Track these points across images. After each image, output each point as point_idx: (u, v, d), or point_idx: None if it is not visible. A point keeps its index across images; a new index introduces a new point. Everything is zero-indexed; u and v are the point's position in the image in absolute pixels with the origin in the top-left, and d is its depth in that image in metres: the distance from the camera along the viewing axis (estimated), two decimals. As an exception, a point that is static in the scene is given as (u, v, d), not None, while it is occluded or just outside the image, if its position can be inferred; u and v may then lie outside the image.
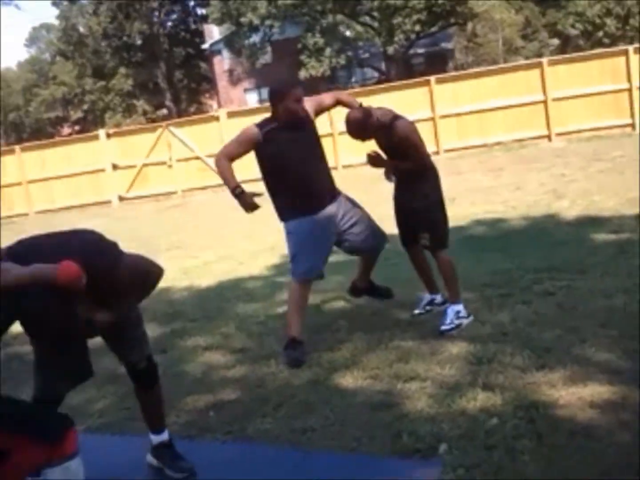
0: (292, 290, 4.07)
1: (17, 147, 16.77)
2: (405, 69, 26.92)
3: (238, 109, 20.04)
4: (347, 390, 3.32)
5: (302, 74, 26.04)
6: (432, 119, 14.57)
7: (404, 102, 14.51)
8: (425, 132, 14.61)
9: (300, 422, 3.05)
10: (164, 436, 2.84)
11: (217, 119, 15.61)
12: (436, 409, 2.96)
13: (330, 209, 3.94)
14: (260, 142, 3.83)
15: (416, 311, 4.27)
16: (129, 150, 15.55)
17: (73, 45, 38.56)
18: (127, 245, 3.19)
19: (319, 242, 3.94)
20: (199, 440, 3.08)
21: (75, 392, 3.69)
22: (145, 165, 15.55)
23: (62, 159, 15.68)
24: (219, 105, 31.17)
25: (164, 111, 37.38)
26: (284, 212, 3.98)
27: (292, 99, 3.82)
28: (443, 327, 3.89)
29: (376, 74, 31.24)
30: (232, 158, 3.94)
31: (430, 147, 15.70)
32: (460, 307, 3.98)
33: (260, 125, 3.88)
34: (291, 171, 3.85)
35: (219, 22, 28.75)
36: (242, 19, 26.47)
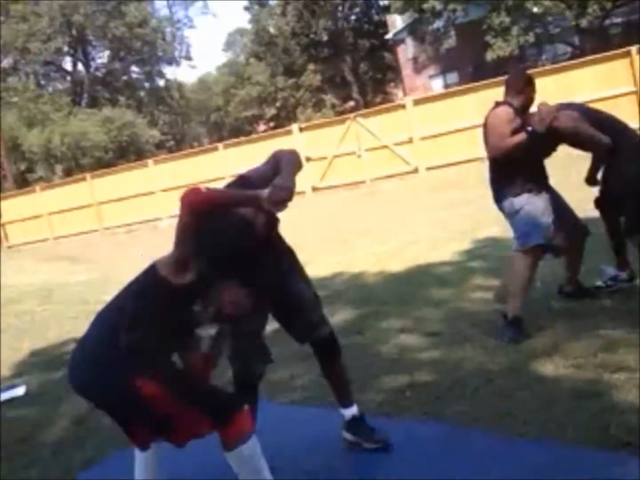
0: (518, 262, 3.91)
1: (219, 145, 18.14)
2: (601, 42, 24.93)
3: (424, 95, 19.91)
4: (548, 378, 3.20)
5: (489, 55, 25.16)
6: (635, 92, 13.41)
7: (601, 76, 13.56)
8: (627, 108, 13.59)
9: (499, 407, 3.01)
10: (354, 410, 2.91)
11: (403, 107, 15.68)
12: (649, 402, 2.77)
13: (550, 193, 3.99)
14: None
15: (597, 283, 4.07)
16: (320, 142, 16.14)
17: (265, 46, 40.68)
18: (321, 234, 3.37)
19: (547, 215, 3.86)
20: (396, 419, 3.14)
21: (282, 368, 3.99)
22: (335, 156, 16.06)
23: (260, 153, 16.62)
24: (404, 94, 31.16)
25: (351, 103, 38.17)
26: (515, 190, 3.89)
27: (534, 89, 3.89)
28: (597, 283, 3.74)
29: (569, 49, 29.31)
30: None
31: (634, 124, 14.36)
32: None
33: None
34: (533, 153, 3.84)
35: (401, 11, 28.64)
36: (425, 6, 26.13)
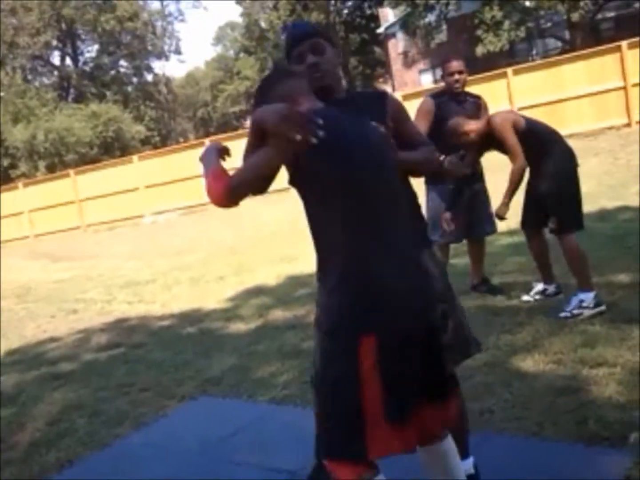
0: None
1: (206, 140, 18.02)
2: (592, 36, 24.96)
3: (413, 90, 19.87)
4: (528, 374, 3.18)
5: (479, 50, 25.18)
6: (624, 88, 13.44)
7: (591, 71, 13.61)
8: (615, 103, 13.60)
9: (478, 403, 2.98)
10: (468, 464, 2.33)
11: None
12: (626, 397, 2.75)
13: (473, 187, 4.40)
14: (435, 111, 4.33)
15: (524, 298, 4.21)
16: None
17: (255, 40, 40.56)
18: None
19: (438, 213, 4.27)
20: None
21: (262, 365, 3.94)
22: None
23: (246, 149, 16.58)
24: (393, 89, 31.15)
25: (341, 98, 38.15)
26: (434, 178, 4.22)
27: (447, 72, 4.39)
28: (561, 314, 3.82)
29: (559, 44, 29.38)
30: None
31: (621, 119, 14.35)
32: (586, 295, 3.79)
33: (433, 97, 4.49)
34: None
35: (395, 4, 28.62)
36: (418, 0, 26.15)
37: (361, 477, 1.78)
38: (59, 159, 26.36)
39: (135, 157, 18.71)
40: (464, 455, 2.32)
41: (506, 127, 3.86)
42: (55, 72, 38.57)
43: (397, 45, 33.31)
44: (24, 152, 26.48)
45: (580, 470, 2.34)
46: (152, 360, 4.58)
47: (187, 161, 17.13)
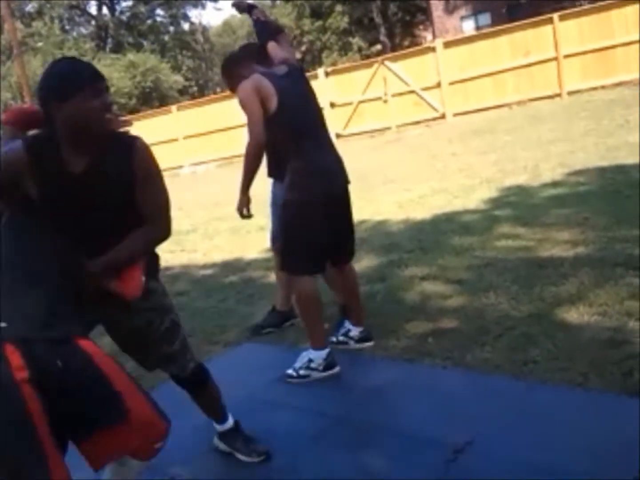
0: None
1: (244, 90, 17.91)
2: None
3: (454, 38, 19.35)
4: (572, 325, 3.17)
5: (524, -6, 24.23)
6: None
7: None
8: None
9: (521, 354, 3.00)
10: (228, 424, 2.63)
11: (433, 50, 15.26)
12: (674, 350, 2.73)
13: None
14: None
15: (332, 338, 3.44)
16: (346, 87, 15.86)
17: (292, -14, 39.72)
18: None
19: None
20: (418, 365, 3.15)
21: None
22: (360, 102, 15.78)
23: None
24: (434, 37, 30.30)
25: (378, 47, 37.30)
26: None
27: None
28: (288, 371, 3.22)
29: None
30: None
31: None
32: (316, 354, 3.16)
33: None
34: None
35: (436, -53, 27.66)
36: (461, -59, 25.19)
37: None
38: (98, 109, 26.57)
39: (174, 107, 18.75)
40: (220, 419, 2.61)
41: None
42: (93, 22, 38.49)
43: (438, -10, 32.26)
44: (63, 103, 26.72)
45: (625, 421, 2.35)
46: (195, 307, 4.69)
47: (225, 111, 17.09)
